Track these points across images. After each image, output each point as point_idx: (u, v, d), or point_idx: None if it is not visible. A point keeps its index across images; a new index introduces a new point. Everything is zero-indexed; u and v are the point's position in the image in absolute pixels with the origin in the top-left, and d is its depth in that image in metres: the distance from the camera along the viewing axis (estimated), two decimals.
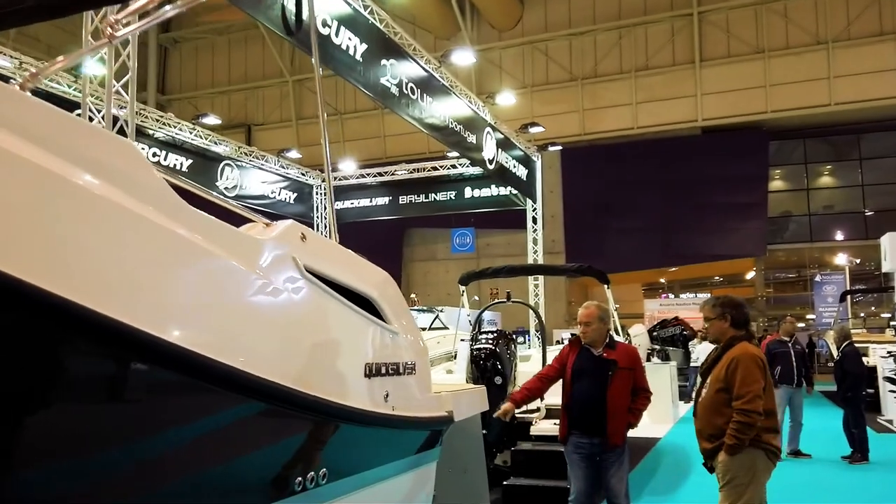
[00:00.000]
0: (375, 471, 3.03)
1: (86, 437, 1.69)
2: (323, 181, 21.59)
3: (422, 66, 12.18)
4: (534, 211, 19.49)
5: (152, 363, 1.84)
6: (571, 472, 5.42)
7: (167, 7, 3.09)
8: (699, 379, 4.96)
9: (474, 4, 29.82)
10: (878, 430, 12.87)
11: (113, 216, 1.80)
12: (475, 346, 7.87)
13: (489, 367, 7.69)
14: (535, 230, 19.53)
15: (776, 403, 10.16)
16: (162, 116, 15.41)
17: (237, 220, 2.57)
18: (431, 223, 29.16)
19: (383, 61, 10.62)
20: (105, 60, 8.26)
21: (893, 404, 14.11)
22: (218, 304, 2.13)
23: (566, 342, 5.77)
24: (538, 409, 7.57)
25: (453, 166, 20.03)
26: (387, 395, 3.07)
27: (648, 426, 13.59)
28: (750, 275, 31.68)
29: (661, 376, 14.28)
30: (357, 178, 21.53)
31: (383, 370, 3.05)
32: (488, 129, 15.31)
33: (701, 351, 17.94)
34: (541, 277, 19.50)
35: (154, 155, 14.94)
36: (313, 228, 21.36)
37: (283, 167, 19.93)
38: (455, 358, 9.15)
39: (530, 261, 19.40)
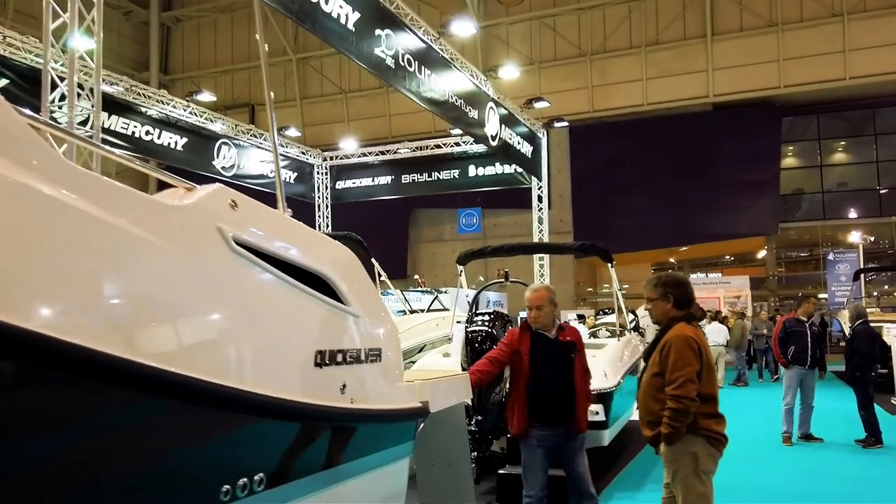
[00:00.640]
0: (331, 472, 2.67)
1: None
2: (324, 160, 21.25)
3: (420, 38, 11.75)
4: (539, 189, 19.07)
5: (21, 359, 1.48)
6: (531, 468, 5.06)
7: None
8: (642, 363, 4.68)
9: None
10: (893, 412, 12.45)
11: None
12: (470, 328, 7.50)
13: (485, 349, 7.27)
14: (541, 209, 19.13)
15: (787, 385, 9.89)
16: (155, 93, 15.04)
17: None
18: (437, 203, 28.80)
19: (378, 31, 10.20)
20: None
21: None
22: (109, 284, 1.76)
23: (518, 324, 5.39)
24: None
25: (457, 144, 19.62)
26: (344, 387, 2.72)
27: None
28: (761, 254, 31.14)
29: None
30: (359, 156, 21.14)
31: (339, 358, 2.70)
32: (491, 104, 14.87)
33: (709, 332, 17.57)
34: (546, 257, 19.13)
35: (147, 133, 14.59)
36: (314, 210, 21.32)
37: (282, 146, 19.53)
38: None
39: (536, 241, 19.02)
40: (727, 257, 33.65)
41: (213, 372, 1.99)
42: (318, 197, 21.16)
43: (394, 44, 10.68)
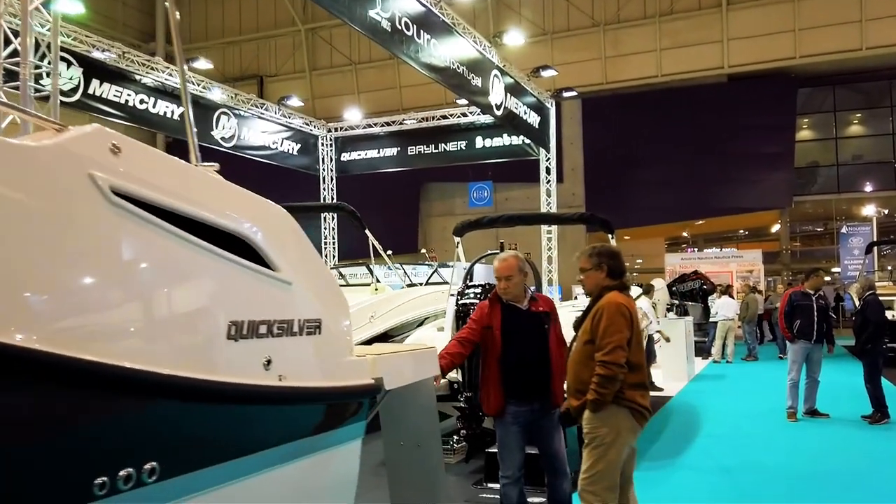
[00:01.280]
0: (252, 459, 2.40)
1: None
2: (329, 131, 20.90)
3: (419, 1, 11.33)
4: (547, 161, 18.68)
5: None
6: (506, 447, 4.80)
7: None
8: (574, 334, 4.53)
9: None
10: None
11: None
12: (461, 301, 7.23)
13: None
14: (549, 181, 18.75)
15: (792, 359, 9.57)
16: (149, 60, 14.70)
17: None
18: (448, 177, 28.49)
19: None
20: None
21: None
22: None
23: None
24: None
25: (463, 115, 19.23)
26: (269, 362, 2.44)
27: (660, 384, 13.01)
28: (775, 228, 30.69)
29: (676, 331, 13.64)
30: (364, 127, 20.79)
31: (263, 330, 2.42)
32: (496, 71, 14.46)
33: (721, 305, 17.30)
34: (554, 231, 18.81)
35: (142, 102, 14.29)
36: (319, 183, 21.03)
37: (284, 116, 19.18)
38: None
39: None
40: (741, 232, 33.23)
41: (80, 346, 1.72)
42: (323, 169, 20.85)
43: (390, 6, 10.32)
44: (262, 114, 18.07)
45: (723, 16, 26.70)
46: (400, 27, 10.59)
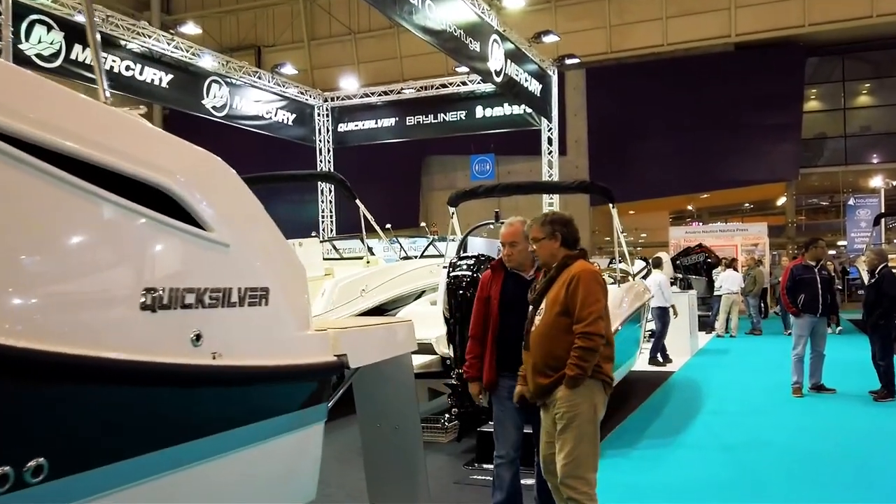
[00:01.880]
0: (183, 449, 2.06)
1: None
2: (325, 101, 20.40)
3: None
4: (549, 131, 18.23)
5: None
6: (502, 423, 4.53)
7: None
8: (530, 309, 4.17)
9: None
10: None
11: None
12: (452, 273, 6.86)
13: (469, 296, 6.62)
14: (551, 152, 18.30)
15: (797, 334, 9.23)
16: (134, 25, 14.17)
17: None
18: (450, 150, 28.12)
19: None
20: None
21: None
22: None
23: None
24: None
25: (463, 83, 18.75)
26: (198, 337, 2.09)
27: (661, 358, 12.68)
28: (781, 200, 30.24)
29: (679, 305, 13.27)
30: (361, 97, 20.31)
31: (189, 300, 2.07)
32: (495, 36, 13.98)
33: (724, 279, 16.95)
34: (556, 201, 18.42)
35: (127, 69, 13.82)
36: (316, 154, 20.59)
37: (278, 84, 18.71)
38: None
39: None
40: (746, 205, 32.78)
41: None
42: (319, 140, 20.40)
43: None
44: (255, 82, 17.60)
45: None
46: None
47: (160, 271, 2.00)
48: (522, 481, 4.74)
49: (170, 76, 14.81)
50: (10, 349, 1.54)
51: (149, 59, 14.40)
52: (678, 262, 19.17)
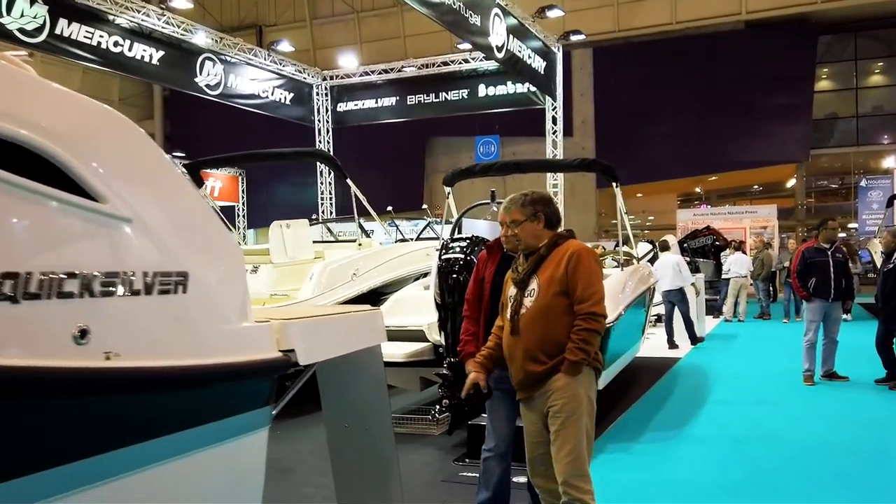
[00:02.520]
0: (64, 471, 1.68)
1: None
2: (324, 80, 19.93)
3: None
4: (553, 110, 17.71)
5: None
6: (494, 415, 4.14)
7: None
8: (513, 291, 3.77)
9: None
10: None
11: None
12: (444, 256, 6.47)
13: (462, 281, 6.22)
14: (556, 132, 17.80)
15: (809, 319, 8.80)
16: None
17: None
18: (454, 131, 27.68)
19: None
20: None
21: None
22: None
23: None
24: None
25: (465, 61, 18.23)
26: (83, 333, 1.69)
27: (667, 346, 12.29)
28: (791, 182, 29.68)
29: (686, 289, 12.86)
30: (361, 75, 19.81)
31: (71, 287, 1.67)
32: (497, 10, 13.46)
33: (733, 262, 16.54)
34: (560, 182, 17.97)
35: (116, 44, 13.35)
36: (315, 134, 20.10)
37: (274, 62, 18.22)
38: None
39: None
40: (755, 187, 32.22)
41: None
42: (318, 120, 19.93)
43: None
44: (250, 60, 17.11)
45: None
46: None
47: (27, 253, 1.60)
48: (514, 479, 4.38)
49: (161, 53, 14.34)
50: None
51: (139, 34, 13.93)
52: (685, 244, 18.81)
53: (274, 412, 2.71)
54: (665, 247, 12.89)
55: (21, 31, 11.76)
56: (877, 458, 5.98)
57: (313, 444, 6.13)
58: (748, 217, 24.87)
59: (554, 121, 17.78)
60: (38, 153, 1.64)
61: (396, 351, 6.60)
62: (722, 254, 18.28)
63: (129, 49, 13.67)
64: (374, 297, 8.62)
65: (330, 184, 20.26)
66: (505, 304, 3.84)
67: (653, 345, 12.15)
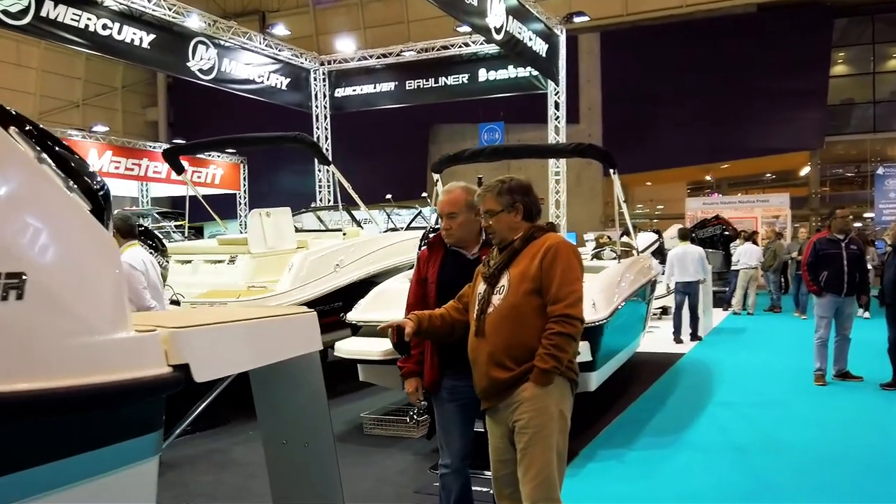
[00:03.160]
0: None
1: None
2: (321, 65, 19.43)
3: None
4: (556, 95, 17.17)
5: None
6: (444, 430, 3.72)
7: None
8: (482, 288, 3.33)
9: None
10: None
11: None
12: (423, 247, 6.00)
13: None
14: (558, 118, 17.26)
15: (820, 315, 8.27)
16: None
17: None
18: (458, 118, 27.25)
19: None
20: None
21: None
22: None
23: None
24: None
25: (465, 44, 17.71)
26: None
27: (672, 340, 11.80)
28: (804, 170, 29.01)
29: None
30: (359, 60, 19.31)
31: None
32: None
33: (742, 252, 16.02)
34: (563, 170, 17.46)
35: (104, 27, 12.90)
36: (313, 121, 19.62)
37: (270, 47, 17.74)
38: None
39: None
40: (767, 175, 31.58)
41: None
42: (316, 107, 19.46)
43: None
44: (245, 44, 16.64)
45: None
46: None
47: None
48: (474, 488, 3.96)
49: (152, 36, 13.89)
50: None
51: (128, 17, 13.48)
52: (694, 234, 18.24)
53: (172, 438, 2.28)
54: (685, 236, 12.47)
55: (5, 13, 11.37)
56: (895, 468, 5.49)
57: None
58: (760, 206, 24.24)
59: (556, 106, 17.23)
60: None
61: (376, 347, 6.16)
62: (731, 244, 17.74)
63: (119, 32, 13.25)
64: (367, 288, 8.21)
65: (328, 171, 19.81)
66: (472, 302, 3.41)
67: (656, 338, 11.68)
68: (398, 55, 18.69)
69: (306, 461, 3.06)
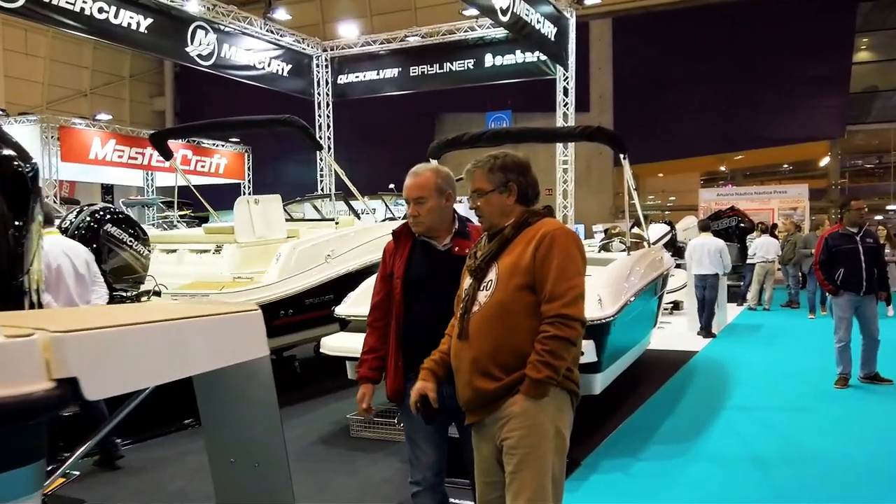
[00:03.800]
0: None
1: None
2: (324, 51, 18.93)
3: None
4: (565, 80, 16.59)
5: None
6: (413, 443, 3.24)
7: None
8: (468, 283, 2.87)
9: None
10: None
11: None
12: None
13: None
14: (566, 104, 16.68)
15: (838, 316, 7.65)
16: None
17: None
18: (465, 107, 26.78)
19: None
20: None
21: None
22: None
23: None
24: None
25: (471, 28, 17.16)
26: None
27: (685, 336, 11.28)
28: (824, 161, 28.34)
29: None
30: (362, 45, 18.80)
31: None
32: None
33: (759, 245, 15.46)
34: (571, 157, 16.91)
35: (100, 10, 12.46)
36: (314, 108, 19.16)
37: (271, 32, 17.26)
38: None
39: (560, 145, 16.69)
40: (785, 166, 30.92)
41: None
42: (318, 93, 18.99)
43: None
44: (245, 29, 16.18)
45: None
46: None
47: None
48: (458, 501, 3.59)
49: (149, 20, 13.44)
50: None
51: (124, 0, 13.07)
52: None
53: (63, 469, 1.81)
54: (705, 227, 12.15)
55: None
56: None
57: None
58: (777, 197, 23.59)
59: (565, 92, 16.65)
60: None
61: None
62: (748, 237, 17.15)
63: (115, 16, 12.80)
64: (361, 280, 7.78)
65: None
66: (459, 299, 2.92)
67: (667, 334, 11.15)
68: (402, 40, 18.17)
69: (256, 482, 2.62)
